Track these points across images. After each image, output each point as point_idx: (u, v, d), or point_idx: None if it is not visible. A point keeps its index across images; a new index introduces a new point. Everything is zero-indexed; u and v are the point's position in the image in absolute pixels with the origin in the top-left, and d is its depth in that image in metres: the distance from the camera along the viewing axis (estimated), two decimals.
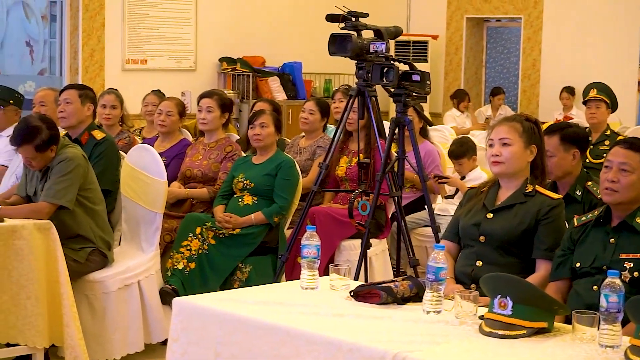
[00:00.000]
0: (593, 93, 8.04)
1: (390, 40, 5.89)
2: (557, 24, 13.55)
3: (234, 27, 12.70)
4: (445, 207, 7.41)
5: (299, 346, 3.32)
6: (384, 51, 5.76)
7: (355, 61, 5.88)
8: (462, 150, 7.38)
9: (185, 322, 3.72)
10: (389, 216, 6.76)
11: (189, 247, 6.02)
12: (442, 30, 14.50)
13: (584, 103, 8.13)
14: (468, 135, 8.22)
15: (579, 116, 11.93)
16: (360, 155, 6.31)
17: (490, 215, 4.33)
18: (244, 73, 12.45)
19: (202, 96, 6.81)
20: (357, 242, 6.42)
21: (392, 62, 5.72)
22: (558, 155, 5.00)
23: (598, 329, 3.20)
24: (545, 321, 3.34)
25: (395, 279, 3.84)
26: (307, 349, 3.29)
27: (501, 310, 3.34)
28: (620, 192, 3.96)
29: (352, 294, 3.76)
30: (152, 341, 5.78)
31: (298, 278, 5.95)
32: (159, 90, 8.57)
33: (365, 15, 5.87)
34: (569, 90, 12.97)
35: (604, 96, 7.98)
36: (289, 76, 12.89)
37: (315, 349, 3.27)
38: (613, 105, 8.09)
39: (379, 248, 6.68)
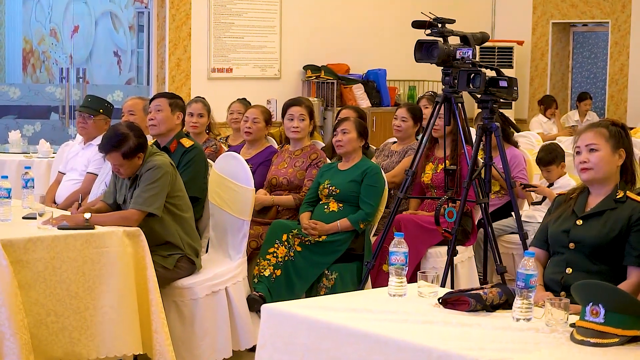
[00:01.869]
0: None
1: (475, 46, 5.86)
2: None
3: (318, 35, 12.75)
4: (532, 214, 7.34)
5: (388, 353, 3.31)
6: (470, 57, 5.73)
7: (442, 67, 5.85)
8: (550, 157, 7.29)
9: (273, 329, 3.73)
10: (475, 223, 6.72)
11: (275, 254, 6.04)
12: (528, 35, 14.37)
13: None
14: (556, 142, 8.12)
15: None
16: (447, 161, 6.29)
17: (580, 222, 4.27)
18: (328, 81, 12.48)
19: (291, 104, 6.81)
20: (443, 250, 6.39)
21: (478, 68, 5.68)
22: None
23: None
24: (639, 329, 3.28)
25: (484, 286, 3.81)
26: (397, 356, 3.28)
27: (593, 318, 3.29)
28: None
29: (440, 301, 3.75)
30: (240, 348, 5.81)
31: (383, 285, 5.97)
32: (244, 99, 8.64)
33: (452, 21, 5.85)
34: None
35: None
36: (373, 83, 12.89)
37: (405, 356, 3.26)
38: None
39: (465, 255, 6.64)
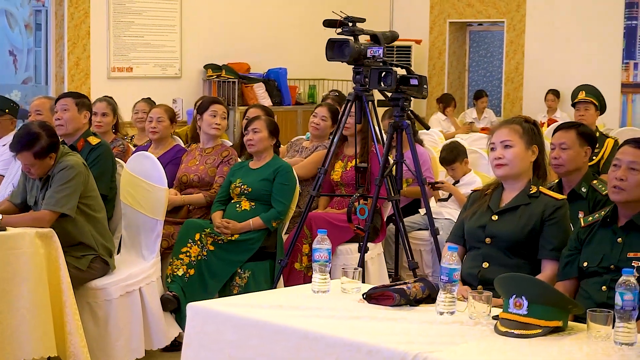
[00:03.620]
0: (582, 95, 8.10)
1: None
2: (540, 27, 13.63)
3: (219, 34, 12.74)
4: (439, 211, 7.44)
5: (317, 349, 3.34)
6: (381, 56, 5.81)
7: (353, 66, 5.91)
8: (453, 155, 7.40)
9: (199, 327, 3.74)
10: (384, 220, 6.80)
11: (188, 254, 6.03)
12: (425, 34, 14.56)
13: (573, 105, 8.19)
14: (457, 140, 8.26)
15: (563, 119, 12.02)
16: (357, 159, 6.38)
17: (495, 217, 4.37)
18: (230, 80, 12.47)
19: (215, 102, 6.86)
20: (354, 246, 6.44)
21: (390, 66, 5.76)
22: (574, 148, 5.08)
23: (613, 327, 3.25)
24: (560, 320, 3.38)
25: (407, 280, 3.87)
26: (326, 352, 3.32)
27: (517, 310, 3.38)
28: (628, 191, 4.00)
29: (364, 296, 3.79)
30: (152, 347, 5.79)
31: (295, 283, 6.03)
32: (149, 98, 8.60)
33: (362, 20, 5.92)
34: (555, 93, 13.05)
35: (592, 98, 8.05)
36: (274, 82, 12.93)
37: (335, 352, 3.30)
38: (602, 107, 8.17)
39: (375, 252, 6.71)
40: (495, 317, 3.48)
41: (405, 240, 5.92)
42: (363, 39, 5.97)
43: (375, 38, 5.95)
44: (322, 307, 3.68)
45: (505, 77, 14.08)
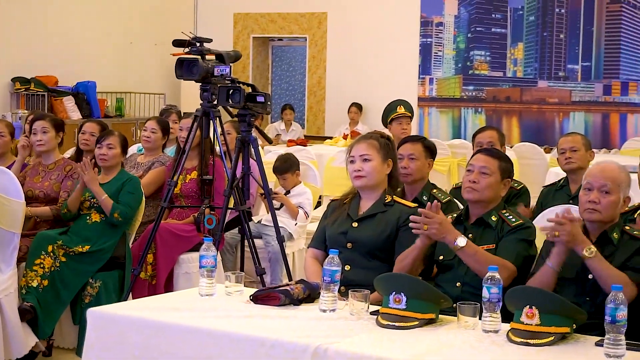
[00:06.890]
0: (401, 110, 8.64)
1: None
2: (341, 44, 14.28)
3: (26, 47, 12.73)
4: (270, 218, 7.81)
5: (222, 346, 3.67)
6: (229, 74, 6.15)
7: (200, 84, 6.22)
8: (287, 165, 7.80)
9: (101, 330, 3.99)
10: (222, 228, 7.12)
11: (42, 265, 6.17)
12: (229, 49, 14.84)
13: (391, 120, 8.73)
14: (291, 152, 8.67)
15: (364, 131, 12.61)
16: (195, 172, 6.72)
17: (355, 224, 4.81)
18: (38, 93, 12.49)
19: (35, 119, 6.95)
20: (195, 255, 6.73)
21: (237, 84, 6.12)
22: (420, 159, 5.54)
23: (480, 318, 3.74)
24: (433, 313, 3.85)
25: (289, 282, 4.26)
26: (231, 347, 3.65)
27: (396, 304, 3.82)
28: (480, 191, 4.56)
29: (251, 297, 4.15)
30: (12, 357, 5.91)
31: (140, 292, 6.31)
32: None
33: (209, 40, 6.25)
34: (358, 106, 13.67)
35: (409, 112, 8.63)
36: (84, 95, 13.04)
37: (239, 347, 3.64)
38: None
39: None
40: (374, 313, 3.91)
41: (253, 248, 6.28)
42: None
43: (220, 57, 6.29)
44: (216, 309, 4.01)
45: (308, 91, 14.65)
